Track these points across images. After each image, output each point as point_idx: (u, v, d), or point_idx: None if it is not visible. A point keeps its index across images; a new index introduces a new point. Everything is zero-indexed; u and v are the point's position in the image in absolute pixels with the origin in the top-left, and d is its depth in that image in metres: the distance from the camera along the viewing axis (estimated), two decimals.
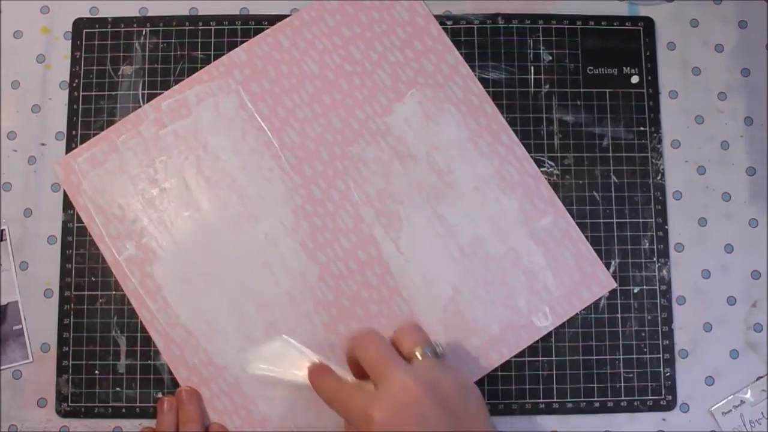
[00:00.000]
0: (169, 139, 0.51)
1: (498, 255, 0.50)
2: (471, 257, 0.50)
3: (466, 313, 0.49)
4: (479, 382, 0.49)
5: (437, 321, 0.49)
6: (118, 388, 0.49)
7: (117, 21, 0.53)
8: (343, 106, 0.51)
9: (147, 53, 0.52)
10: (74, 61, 0.52)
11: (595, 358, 0.50)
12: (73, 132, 0.51)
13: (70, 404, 0.49)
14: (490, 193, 0.51)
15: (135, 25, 0.53)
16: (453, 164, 0.51)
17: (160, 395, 0.49)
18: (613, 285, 0.50)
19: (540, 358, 0.50)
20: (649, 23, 0.53)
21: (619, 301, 0.51)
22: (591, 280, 0.50)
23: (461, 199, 0.51)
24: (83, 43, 0.52)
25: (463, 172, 0.51)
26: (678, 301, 0.51)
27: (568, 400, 0.50)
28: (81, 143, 0.51)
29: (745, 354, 0.51)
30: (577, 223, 0.51)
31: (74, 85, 0.52)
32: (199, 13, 0.53)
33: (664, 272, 0.51)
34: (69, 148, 0.51)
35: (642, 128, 0.52)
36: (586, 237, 0.51)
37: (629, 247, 0.51)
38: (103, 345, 0.50)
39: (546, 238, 0.50)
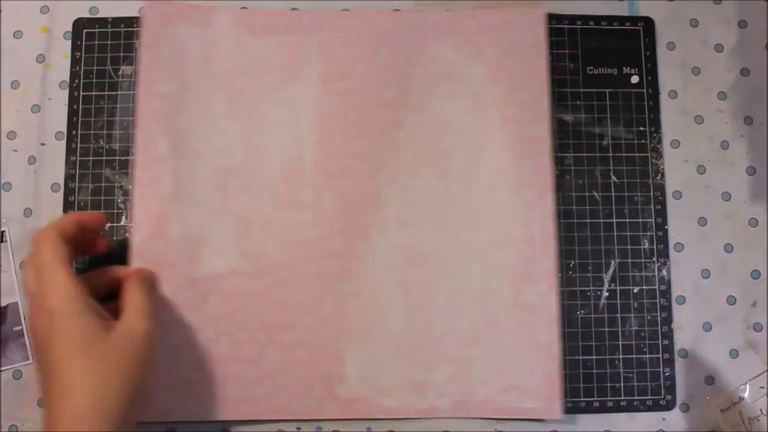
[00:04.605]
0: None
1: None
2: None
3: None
4: None
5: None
6: None
7: (117, 21, 0.53)
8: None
9: None
10: (74, 61, 0.52)
11: (594, 357, 0.50)
12: (73, 132, 0.51)
13: None
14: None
15: (135, 25, 0.52)
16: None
17: None
18: (558, 416, 0.48)
19: None
20: (649, 23, 0.53)
21: (618, 301, 0.51)
22: (539, 397, 0.48)
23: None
24: (83, 43, 0.52)
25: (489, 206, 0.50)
26: (678, 301, 0.51)
27: (568, 400, 0.50)
28: (81, 143, 0.51)
29: (745, 354, 0.51)
30: (576, 223, 0.51)
31: (74, 85, 0.52)
32: None
33: (664, 272, 0.51)
34: (69, 148, 0.51)
35: (642, 128, 0.52)
36: (586, 237, 0.51)
37: (629, 247, 0.51)
38: None
39: (521, 315, 0.49)
